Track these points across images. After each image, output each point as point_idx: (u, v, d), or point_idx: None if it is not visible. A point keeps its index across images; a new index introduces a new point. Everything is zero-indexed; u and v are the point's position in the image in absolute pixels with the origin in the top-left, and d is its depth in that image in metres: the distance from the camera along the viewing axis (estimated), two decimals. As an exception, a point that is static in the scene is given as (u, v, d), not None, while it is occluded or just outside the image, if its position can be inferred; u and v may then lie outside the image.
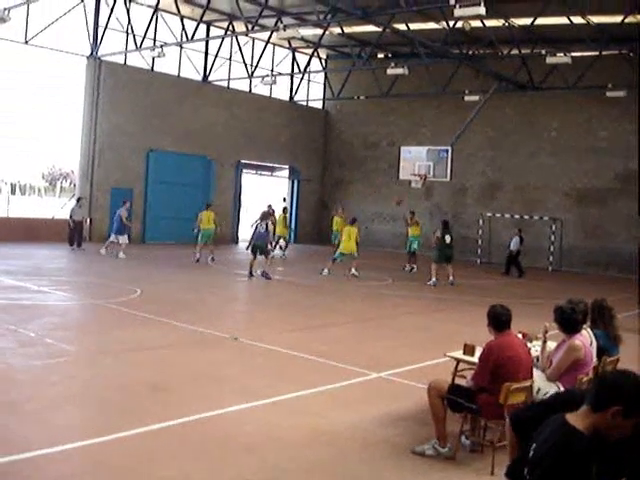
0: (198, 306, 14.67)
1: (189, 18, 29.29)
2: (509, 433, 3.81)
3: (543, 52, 24.89)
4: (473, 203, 32.24)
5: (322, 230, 34.91)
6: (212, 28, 31.19)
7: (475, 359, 6.91)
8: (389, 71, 26.13)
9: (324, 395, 8.45)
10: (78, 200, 26.08)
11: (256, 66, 32.77)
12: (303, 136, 36.09)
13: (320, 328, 13.09)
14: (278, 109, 35.08)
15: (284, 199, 36.40)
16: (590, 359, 6.53)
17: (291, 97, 36.20)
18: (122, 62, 28.92)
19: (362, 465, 6.29)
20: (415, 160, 25.39)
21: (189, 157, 30.61)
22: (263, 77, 30.90)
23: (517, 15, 24.42)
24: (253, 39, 32.95)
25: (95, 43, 27.76)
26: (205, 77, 31.85)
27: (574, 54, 23.48)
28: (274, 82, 30.36)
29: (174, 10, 28.41)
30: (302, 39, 30.47)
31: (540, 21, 23.16)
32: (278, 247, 25.95)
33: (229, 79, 32.49)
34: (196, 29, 29.06)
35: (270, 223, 20.50)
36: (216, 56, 31.68)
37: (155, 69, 29.91)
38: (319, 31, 29.29)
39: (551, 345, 6.77)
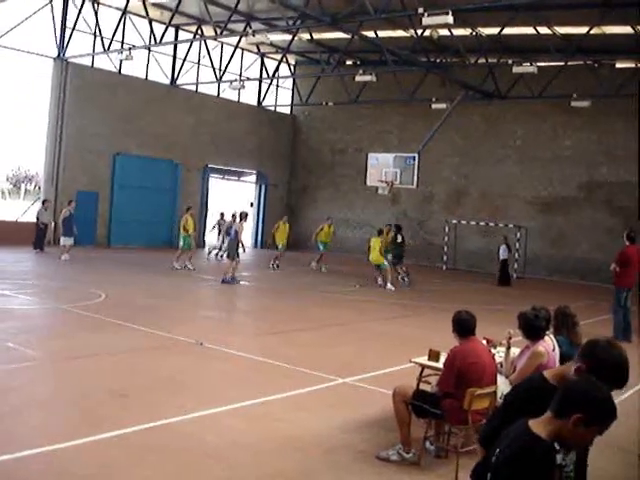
0: (163, 311, 14.56)
1: (158, 21, 29.11)
2: (479, 450, 3.82)
3: (510, 61, 25.18)
4: (439, 210, 32.46)
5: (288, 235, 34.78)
6: (181, 32, 31.08)
7: (440, 365, 6.95)
8: (357, 78, 26.28)
9: (289, 401, 8.43)
10: (43, 202, 25.73)
11: (224, 71, 32.68)
12: (271, 141, 36.07)
13: (286, 333, 13.06)
14: (246, 114, 35.03)
15: (251, 204, 36.39)
16: (553, 365, 6.58)
17: (259, 102, 36.17)
18: (89, 64, 28.68)
19: (327, 471, 6.29)
20: (382, 167, 25.41)
21: (156, 161, 30.44)
22: (231, 82, 30.85)
23: (484, 25, 24.66)
24: (222, 43, 32.90)
25: (62, 45, 27.50)
26: (173, 81, 31.70)
27: (540, 64, 23.76)
28: (242, 87, 30.36)
29: (143, 13, 28.22)
30: (271, 44, 30.48)
31: (507, 31, 23.41)
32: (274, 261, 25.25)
33: (197, 83, 32.38)
34: (164, 32, 28.92)
35: (241, 225, 20.05)
36: (184, 60, 31.57)
37: (123, 72, 29.68)
38: (288, 37, 29.32)
39: (515, 351, 6.82)
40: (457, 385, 6.30)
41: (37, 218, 24.65)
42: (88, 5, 27.77)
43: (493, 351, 7.16)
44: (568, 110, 27.24)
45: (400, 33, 25.48)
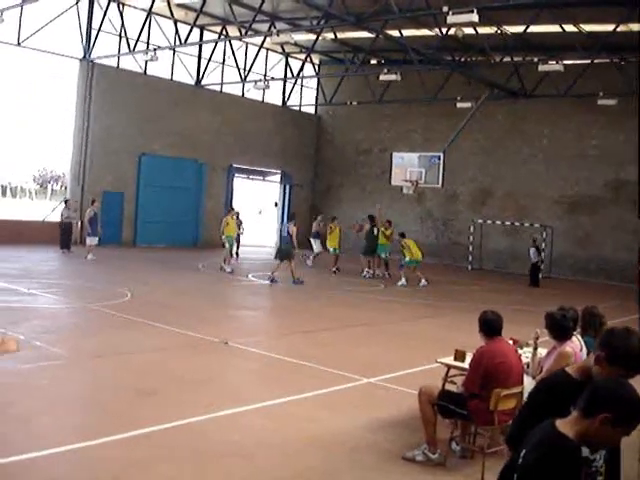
0: (189, 310, 14.63)
1: (182, 22, 29.26)
2: (506, 451, 3.80)
3: (535, 60, 24.98)
4: (464, 209, 32.30)
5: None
6: (205, 32, 31.19)
7: (466, 365, 6.92)
8: (381, 77, 26.19)
9: (314, 400, 8.43)
10: (65, 202, 25.90)
11: (249, 71, 32.75)
12: (295, 141, 36.10)
13: (311, 333, 13.07)
14: (271, 114, 35.09)
15: (275, 204, 36.45)
16: (580, 366, 6.53)
17: (284, 102, 36.21)
18: (115, 65, 28.88)
19: (351, 470, 6.28)
20: (407, 166, 25.38)
21: (181, 161, 30.59)
22: (256, 82, 30.88)
23: (510, 23, 24.48)
24: (246, 44, 32.98)
25: (88, 46, 27.71)
26: (198, 81, 31.83)
27: (566, 62, 23.55)
28: (267, 87, 30.36)
29: (167, 14, 28.39)
30: (295, 44, 30.55)
31: (532, 29, 23.22)
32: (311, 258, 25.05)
33: (222, 83, 32.48)
34: (189, 33, 29.05)
35: (293, 226, 20.22)
36: (209, 60, 31.68)
37: (148, 73, 29.85)
38: (312, 36, 29.31)
39: (542, 352, 6.78)
40: (483, 385, 6.26)
41: (62, 216, 24.82)
42: (113, 6, 27.96)
43: (520, 351, 7.12)
44: (594, 108, 26.97)
45: (424, 32, 25.37)
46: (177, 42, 29.13)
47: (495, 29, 24.88)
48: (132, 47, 28.38)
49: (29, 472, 5.74)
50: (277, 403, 8.08)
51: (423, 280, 21.51)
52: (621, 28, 22.19)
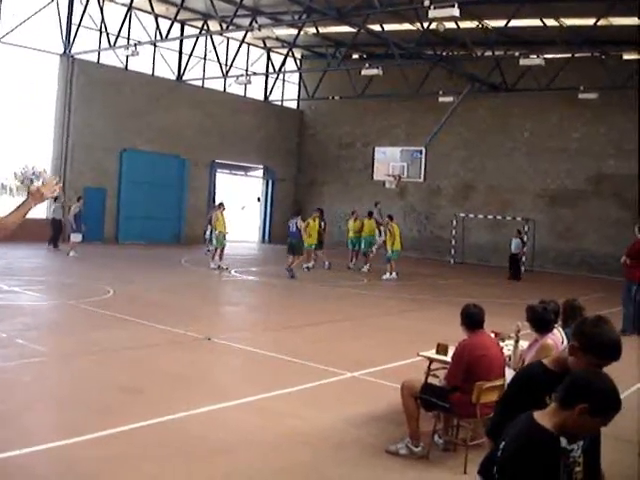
0: (172, 306, 14.58)
1: (163, 17, 29.12)
2: (487, 443, 3.82)
3: (516, 54, 25.10)
4: (447, 204, 32.40)
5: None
6: (186, 27, 31.05)
7: (448, 358, 6.94)
8: (364, 72, 26.22)
9: (298, 395, 8.43)
10: (55, 199, 25.65)
11: (230, 65, 32.68)
12: (277, 136, 36.05)
13: (295, 329, 13.07)
14: (252, 109, 35.01)
15: (258, 199, 36.41)
16: (561, 358, 6.58)
17: (266, 97, 36.14)
18: (95, 60, 28.72)
19: (336, 465, 6.29)
20: (389, 160, 25.42)
21: (163, 157, 30.48)
22: (238, 77, 30.84)
23: (491, 17, 24.56)
24: (228, 38, 32.86)
25: (68, 41, 27.53)
26: (179, 76, 31.72)
27: (547, 56, 23.68)
28: (249, 82, 30.31)
29: (148, 8, 28.25)
30: (277, 39, 30.50)
31: (513, 23, 23.30)
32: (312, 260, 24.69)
33: (203, 78, 32.39)
34: (170, 28, 28.89)
35: (300, 221, 20.82)
36: (190, 55, 31.58)
37: (129, 68, 29.71)
38: (294, 31, 29.25)
39: (523, 344, 6.82)
40: (465, 378, 6.29)
41: (54, 213, 24.65)
42: (94, 1, 27.77)
43: (501, 344, 7.16)
44: (576, 102, 27.11)
45: (406, 26, 25.42)
46: (158, 37, 28.97)
47: (476, 23, 24.97)
48: (113, 42, 28.18)
49: (10, 470, 5.69)
50: (261, 398, 8.07)
51: (394, 273, 21.70)
52: (602, 22, 22.32)
